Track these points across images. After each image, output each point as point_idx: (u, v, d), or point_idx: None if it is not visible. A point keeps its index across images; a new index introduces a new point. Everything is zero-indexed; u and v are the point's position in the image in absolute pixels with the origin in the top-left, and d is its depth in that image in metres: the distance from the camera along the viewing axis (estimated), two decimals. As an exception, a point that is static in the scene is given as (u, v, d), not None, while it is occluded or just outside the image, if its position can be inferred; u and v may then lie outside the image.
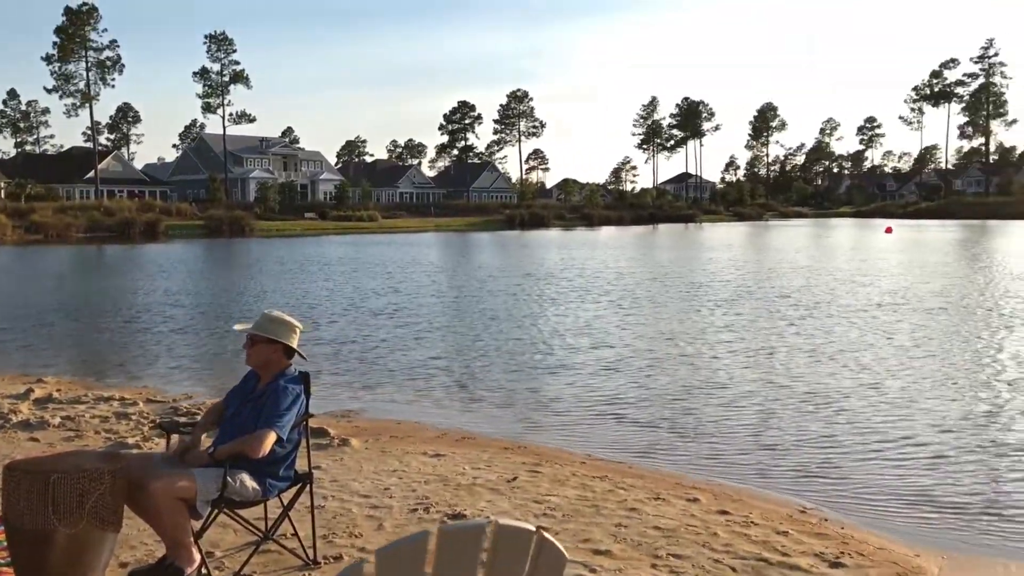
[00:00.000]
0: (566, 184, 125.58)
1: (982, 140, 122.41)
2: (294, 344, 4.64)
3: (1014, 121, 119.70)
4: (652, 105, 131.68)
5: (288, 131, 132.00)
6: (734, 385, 10.55)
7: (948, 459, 7.42)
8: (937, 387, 10.22)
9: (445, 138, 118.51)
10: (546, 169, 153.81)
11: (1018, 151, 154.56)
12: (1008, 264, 29.94)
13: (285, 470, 4.55)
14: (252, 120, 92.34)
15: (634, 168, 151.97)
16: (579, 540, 5.24)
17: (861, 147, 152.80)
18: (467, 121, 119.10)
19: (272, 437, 4.32)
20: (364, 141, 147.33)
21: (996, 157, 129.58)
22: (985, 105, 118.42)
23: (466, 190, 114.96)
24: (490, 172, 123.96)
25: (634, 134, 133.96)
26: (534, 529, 2.14)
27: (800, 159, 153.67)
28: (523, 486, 6.46)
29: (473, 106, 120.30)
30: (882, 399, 9.64)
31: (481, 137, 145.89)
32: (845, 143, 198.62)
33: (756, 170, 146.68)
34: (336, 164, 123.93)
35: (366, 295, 22.35)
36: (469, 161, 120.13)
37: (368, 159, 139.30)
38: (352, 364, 12.60)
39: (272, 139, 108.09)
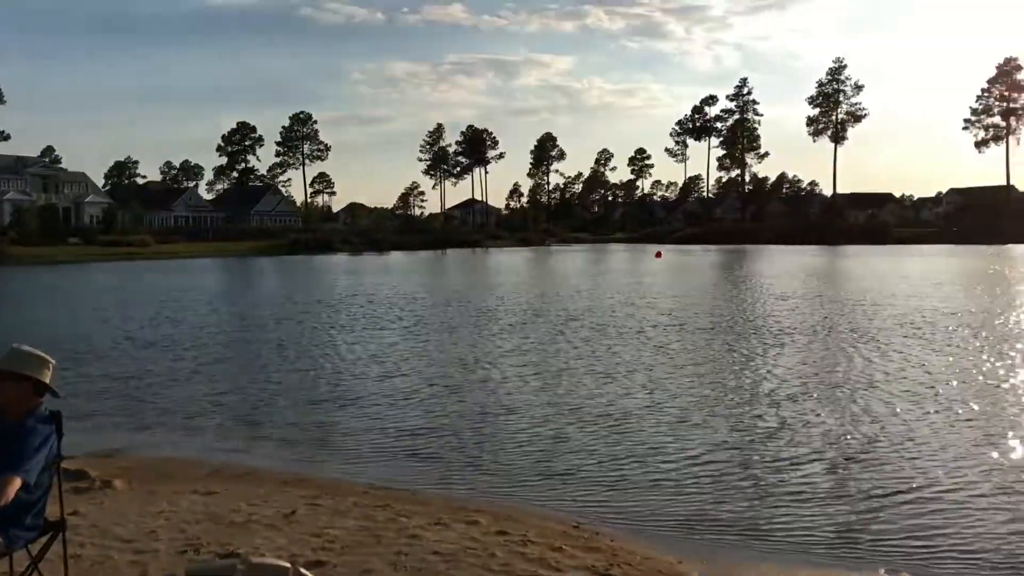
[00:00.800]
0: (353, 208, 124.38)
1: (738, 171, 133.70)
2: (46, 380, 4.30)
3: (766, 154, 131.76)
4: (438, 132, 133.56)
5: (48, 150, 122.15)
6: (522, 408, 10.81)
7: (714, 472, 7.97)
8: (712, 405, 10.94)
9: (224, 160, 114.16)
10: (332, 193, 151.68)
11: (770, 181, 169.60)
12: (767, 285, 32.73)
13: (33, 518, 4.19)
14: (6, 138, 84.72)
15: (422, 193, 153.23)
16: (359, 571, 5.19)
17: (632, 176, 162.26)
18: (247, 143, 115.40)
19: (16, 483, 3.97)
20: (135, 162, 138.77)
21: (751, 187, 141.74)
22: (740, 139, 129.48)
23: (248, 214, 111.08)
24: (273, 195, 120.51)
25: (421, 159, 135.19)
26: (288, 566, 2.12)
27: (579, 187, 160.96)
28: (302, 520, 6.31)
29: (254, 127, 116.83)
30: (658, 416, 10.21)
31: (263, 159, 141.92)
32: (619, 173, 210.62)
33: (539, 197, 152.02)
34: (104, 186, 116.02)
35: (138, 326, 21.04)
36: (251, 184, 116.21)
37: (140, 181, 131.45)
38: (121, 400, 11.81)
39: (30, 158, 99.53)
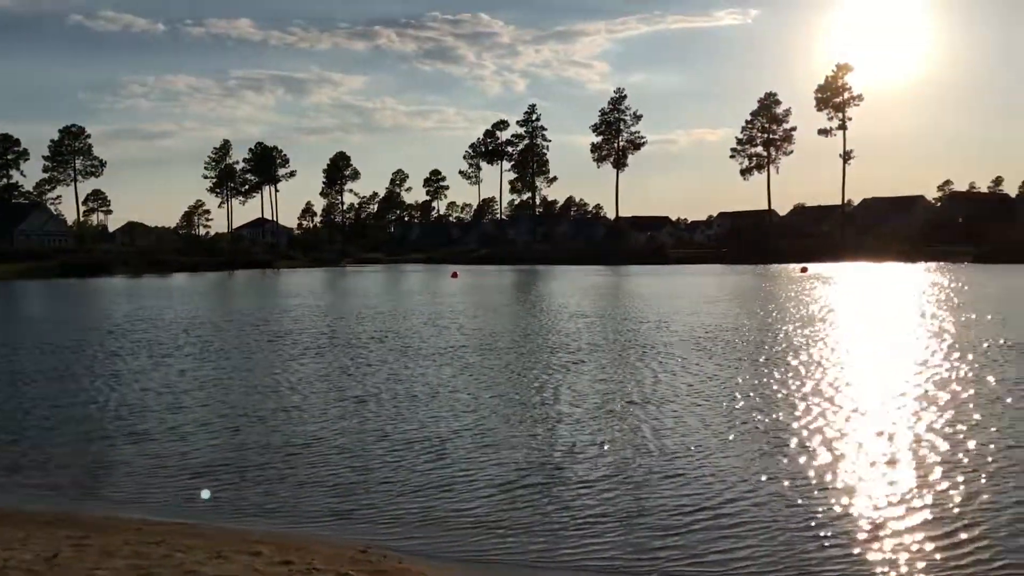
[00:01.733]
0: (132, 228, 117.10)
1: (530, 194, 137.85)
2: None
3: (555, 178, 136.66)
4: (225, 148, 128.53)
5: None
6: (318, 435, 10.54)
7: (510, 494, 8.10)
8: (512, 426, 11.12)
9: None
10: (108, 211, 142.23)
11: (559, 204, 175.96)
12: (562, 304, 33.87)
13: None
14: None
15: (207, 212, 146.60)
16: (129, 613, 4.89)
17: (428, 198, 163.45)
18: (10, 156, 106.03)
19: None
20: None
21: (542, 209, 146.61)
22: (531, 164, 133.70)
23: (11, 233, 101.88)
24: (41, 213, 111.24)
25: (206, 177, 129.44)
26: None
27: (374, 207, 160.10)
28: (66, 563, 5.87)
29: (17, 140, 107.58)
30: (459, 439, 10.27)
31: (28, 175, 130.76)
32: (414, 194, 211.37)
33: (333, 217, 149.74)
34: None
35: None
36: (14, 201, 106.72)
37: None
38: None
39: None
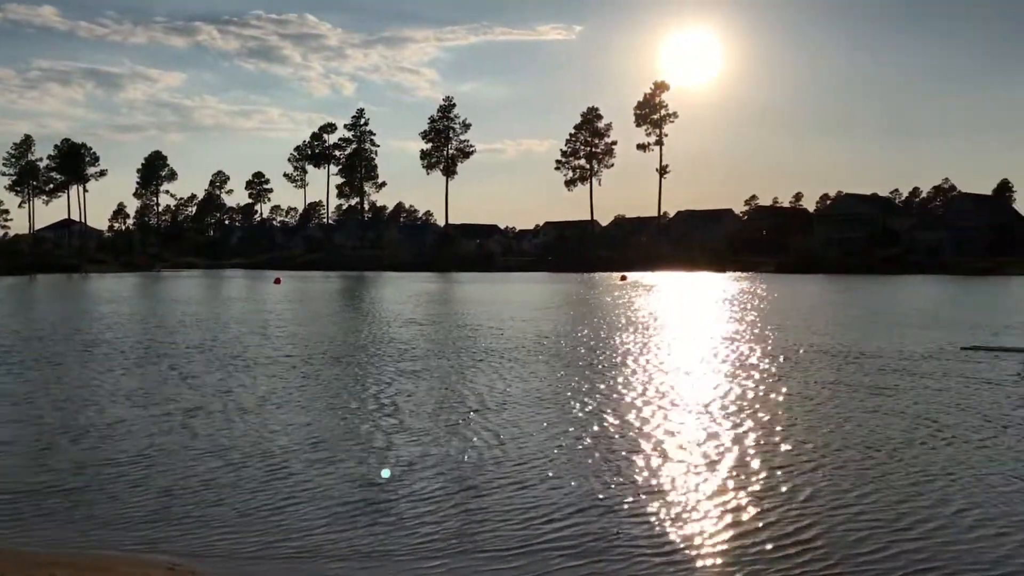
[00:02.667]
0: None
1: (358, 199, 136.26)
2: None
3: (384, 183, 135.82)
4: (26, 144, 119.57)
5: None
6: (132, 451, 10.11)
7: (331, 505, 8.15)
8: (342, 437, 11.10)
9: None
10: None
11: (388, 210, 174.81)
12: (392, 311, 33.79)
13: None
14: None
15: (6, 212, 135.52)
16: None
17: (251, 200, 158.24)
18: None
19: None
20: None
21: (370, 215, 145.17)
22: (359, 168, 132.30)
23: None
24: None
25: (5, 174, 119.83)
26: None
27: (192, 210, 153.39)
28: None
29: None
30: (287, 452, 10.17)
31: None
32: (236, 196, 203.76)
33: (147, 219, 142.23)
34: None
35: None
36: None
37: None
38: None
39: None
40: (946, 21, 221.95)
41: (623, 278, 77.03)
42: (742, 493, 8.07)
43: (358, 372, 16.37)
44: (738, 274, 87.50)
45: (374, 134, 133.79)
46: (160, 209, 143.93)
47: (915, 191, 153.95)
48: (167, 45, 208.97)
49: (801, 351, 19.53)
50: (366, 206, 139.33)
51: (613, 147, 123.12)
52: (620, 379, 15.30)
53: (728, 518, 7.38)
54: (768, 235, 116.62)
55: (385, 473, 8.68)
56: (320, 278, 78.42)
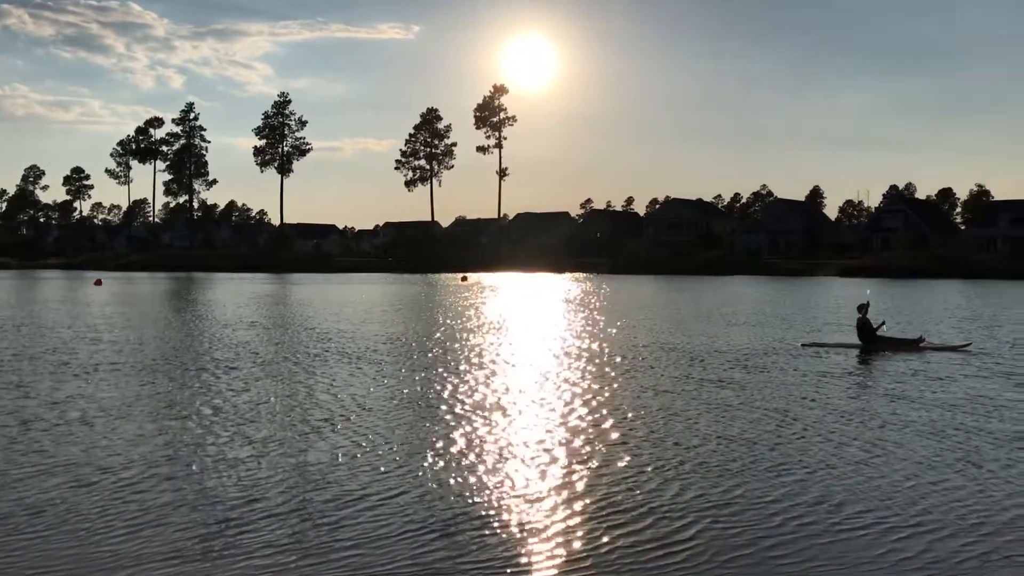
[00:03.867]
0: None
1: (187, 197, 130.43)
2: None
3: (215, 181, 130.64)
4: None
5: None
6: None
7: (165, 531, 7.77)
8: (173, 452, 10.55)
9: None
10: None
11: (219, 209, 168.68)
12: (224, 314, 32.44)
13: None
14: None
15: None
16: None
17: (69, 197, 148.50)
18: None
19: None
20: None
21: (200, 214, 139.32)
22: (188, 165, 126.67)
23: None
24: None
25: None
26: None
27: (2, 207, 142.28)
28: None
29: None
30: (104, 469, 9.59)
31: None
32: (52, 192, 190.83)
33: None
34: None
35: None
36: None
37: None
38: None
39: None
40: (768, 35, 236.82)
41: (464, 278, 77.54)
42: (608, 492, 8.18)
43: (196, 380, 15.62)
44: (575, 275, 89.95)
45: (204, 129, 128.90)
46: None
47: (736, 196, 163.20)
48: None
49: (648, 349, 20.19)
50: (196, 204, 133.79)
51: (453, 148, 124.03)
52: (471, 380, 15.32)
53: (595, 520, 7.42)
54: (603, 237, 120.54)
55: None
56: (147, 279, 74.53)
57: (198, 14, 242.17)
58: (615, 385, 14.74)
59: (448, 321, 28.95)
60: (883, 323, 20.70)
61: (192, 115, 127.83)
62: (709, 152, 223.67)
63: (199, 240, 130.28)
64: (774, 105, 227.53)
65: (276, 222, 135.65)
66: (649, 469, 9.01)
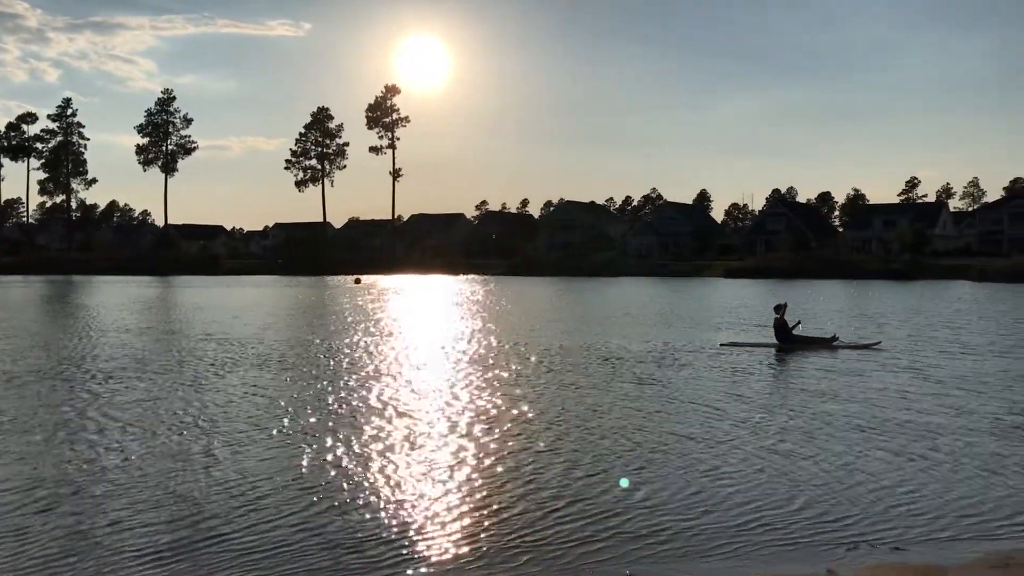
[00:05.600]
0: None
1: (64, 197, 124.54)
2: None
3: (94, 180, 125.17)
4: None
5: None
6: None
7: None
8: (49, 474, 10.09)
9: None
10: None
11: (100, 209, 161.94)
12: (105, 319, 31.03)
13: None
14: None
15: None
16: None
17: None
18: None
19: None
20: None
21: (79, 214, 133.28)
22: (65, 163, 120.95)
23: None
24: None
25: None
26: None
27: None
28: None
29: None
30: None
31: None
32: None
33: None
34: None
35: None
36: None
37: None
38: None
39: None
40: (664, 41, 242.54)
41: (357, 280, 76.70)
42: (563, 492, 8.25)
43: (76, 388, 14.94)
44: (471, 276, 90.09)
45: (83, 126, 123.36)
46: None
47: (627, 199, 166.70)
48: None
49: (567, 350, 20.39)
50: (74, 204, 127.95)
51: (345, 148, 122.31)
52: (365, 384, 15.13)
53: (540, 524, 7.51)
54: (498, 239, 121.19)
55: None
56: (20, 283, 70.81)
57: (73, 6, 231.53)
58: (543, 386, 14.84)
59: (342, 324, 28.53)
60: (799, 323, 21.54)
61: (69, 111, 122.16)
62: (601, 154, 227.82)
63: (78, 242, 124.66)
64: (663, 108, 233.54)
65: (160, 223, 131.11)
66: (607, 467, 9.08)
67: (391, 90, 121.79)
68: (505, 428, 11.32)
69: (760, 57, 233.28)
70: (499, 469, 9.19)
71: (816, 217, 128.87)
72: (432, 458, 9.66)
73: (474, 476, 8.92)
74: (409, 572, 6.37)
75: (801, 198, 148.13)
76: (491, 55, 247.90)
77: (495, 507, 7.86)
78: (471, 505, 7.92)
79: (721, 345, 21.59)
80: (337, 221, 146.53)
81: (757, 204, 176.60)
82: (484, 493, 8.30)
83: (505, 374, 16.45)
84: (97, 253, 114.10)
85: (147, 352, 20.39)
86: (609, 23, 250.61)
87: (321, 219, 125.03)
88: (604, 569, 6.42)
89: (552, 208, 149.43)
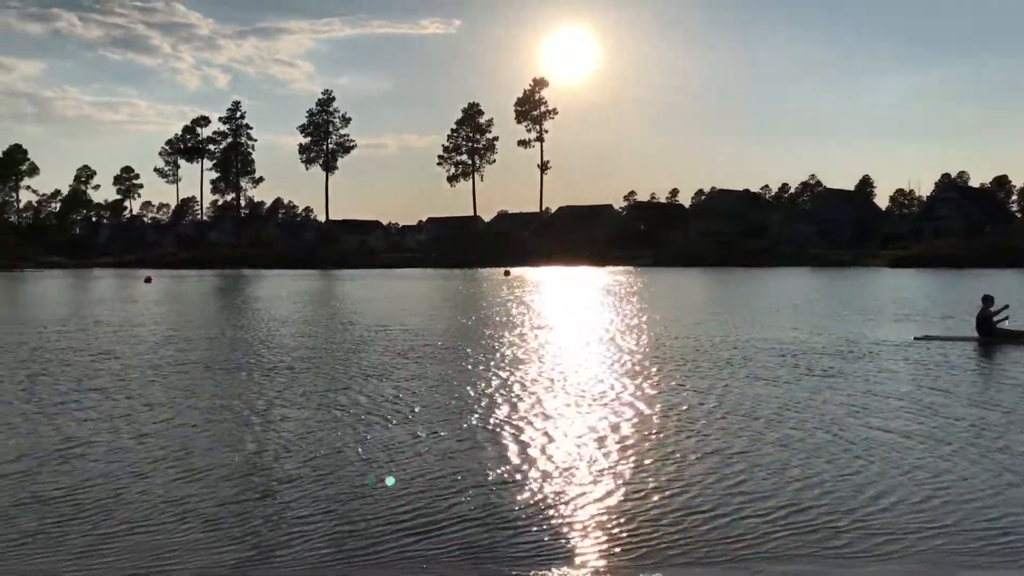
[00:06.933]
0: None
1: (234, 195, 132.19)
2: None
3: (261, 179, 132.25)
4: None
5: None
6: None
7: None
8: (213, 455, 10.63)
9: None
10: None
11: (266, 206, 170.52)
12: (269, 310, 32.78)
13: None
14: None
15: None
16: None
17: (120, 197, 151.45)
18: None
19: None
20: None
21: (247, 211, 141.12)
22: (235, 163, 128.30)
23: None
24: None
25: None
26: None
27: (56, 207, 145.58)
28: None
29: None
30: (160, 470, 9.67)
31: None
32: (104, 192, 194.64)
33: (7, 217, 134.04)
34: None
35: None
36: None
37: None
38: None
39: None
40: (819, 21, 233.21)
41: (507, 273, 77.55)
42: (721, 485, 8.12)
43: (244, 378, 15.76)
44: (618, 268, 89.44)
45: (251, 127, 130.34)
46: (21, 206, 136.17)
47: (784, 187, 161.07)
48: (21, 32, 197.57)
49: (750, 344, 19.82)
50: (243, 202, 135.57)
51: (495, 143, 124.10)
52: (529, 375, 15.26)
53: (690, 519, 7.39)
54: (646, 230, 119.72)
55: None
56: (195, 277, 75.64)
57: (241, 13, 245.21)
58: (736, 382, 14.42)
59: (501, 316, 28.90)
60: (1006, 308, 19.63)
61: (238, 113, 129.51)
62: (755, 141, 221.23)
63: (246, 238, 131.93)
64: (820, 92, 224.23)
65: (322, 218, 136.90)
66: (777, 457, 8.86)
67: (539, 83, 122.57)
68: (700, 425, 11.05)
69: (921, 35, 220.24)
70: (699, 469, 8.99)
71: (990, 202, 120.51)
72: (638, 457, 9.56)
73: (682, 475, 8.77)
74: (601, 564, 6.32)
75: (974, 182, 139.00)
76: (640, 42, 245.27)
77: (707, 508, 7.69)
78: (678, 505, 7.79)
79: (915, 339, 20.41)
80: (487, 214, 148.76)
81: (925, 190, 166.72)
82: (692, 493, 8.14)
83: (682, 368, 16.08)
84: (264, 248, 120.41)
85: (332, 342, 21.26)
86: (760, 5, 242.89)
87: (471, 213, 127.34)
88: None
89: (704, 197, 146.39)
